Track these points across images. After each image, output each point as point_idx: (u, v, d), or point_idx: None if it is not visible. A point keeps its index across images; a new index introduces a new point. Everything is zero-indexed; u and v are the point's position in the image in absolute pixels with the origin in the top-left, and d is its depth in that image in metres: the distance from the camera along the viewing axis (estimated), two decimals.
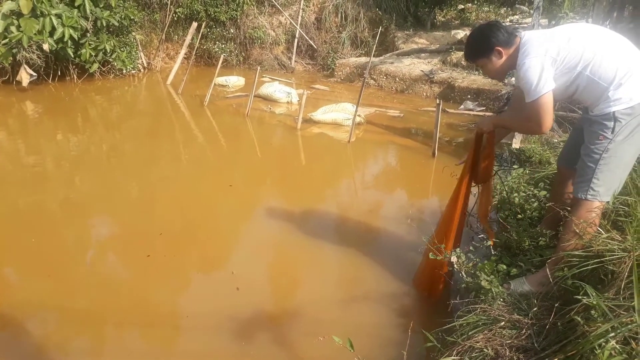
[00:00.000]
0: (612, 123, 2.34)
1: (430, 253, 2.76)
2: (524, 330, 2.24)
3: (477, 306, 2.47)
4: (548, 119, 2.42)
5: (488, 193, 3.03)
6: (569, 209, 2.54)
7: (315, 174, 5.57)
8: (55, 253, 3.70)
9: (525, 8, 13.59)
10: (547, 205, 2.87)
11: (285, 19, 11.38)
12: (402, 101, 8.64)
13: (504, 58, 2.56)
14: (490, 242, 2.90)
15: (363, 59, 10.27)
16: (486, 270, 2.62)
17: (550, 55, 2.38)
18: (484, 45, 2.57)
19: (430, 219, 3.99)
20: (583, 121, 2.62)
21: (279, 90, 8.38)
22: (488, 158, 2.93)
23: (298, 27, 11.15)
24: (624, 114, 2.32)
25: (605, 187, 2.43)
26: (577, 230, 2.43)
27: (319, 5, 11.61)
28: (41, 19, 7.84)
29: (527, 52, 2.43)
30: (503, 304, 2.46)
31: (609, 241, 2.30)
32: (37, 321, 2.94)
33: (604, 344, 1.79)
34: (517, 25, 11.48)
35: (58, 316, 3.02)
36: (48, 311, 3.04)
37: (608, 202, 2.49)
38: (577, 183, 2.51)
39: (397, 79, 9.34)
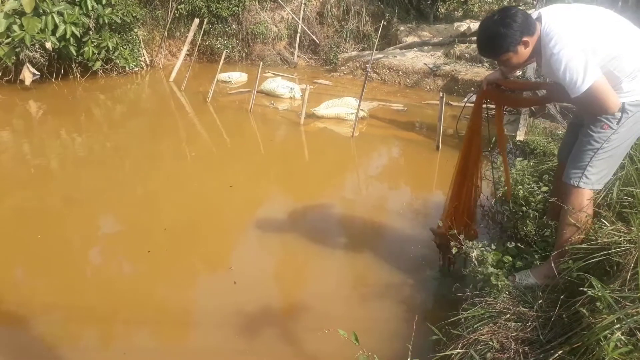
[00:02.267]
0: (620, 114, 2.31)
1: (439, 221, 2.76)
2: (529, 323, 2.23)
3: (483, 299, 2.47)
4: (612, 98, 2.21)
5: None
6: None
7: (319, 169, 5.56)
8: (60, 250, 3.72)
9: (529, 2, 13.49)
10: (551, 199, 2.86)
11: (287, 14, 11.35)
12: (406, 95, 8.62)
13: (530, 47, 2.33)
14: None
15: (366, 53, 10.24)
16: (491, 261, 2.61)
17: (587, 44, 2.20)
18: (509, 38, 2.29)
19: (435, 212, 3.98)
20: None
21: (282, 86, 8.37)
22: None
23: (300, 22, 11.12)
24: (632, 106, 2.30)
25: (598, 175, 2.42)
26: (574, 221, 2.42)
27: (320, 0, 11.56)
28: (43, 17, 7.84)
29: (561, 42, 2.21)
30: (508, 296, 2.46)
31: (615, 233, 2.29)
32: (43, 318, 2.96)
33: (609, 335, 1.79)
34: None
35: (64, 313, 3.04)
36: (54, 308, 3.07)
37: (599, 191, 2.47)
38: (570, 169, 2.47)
39: (400, 73, 9.30)
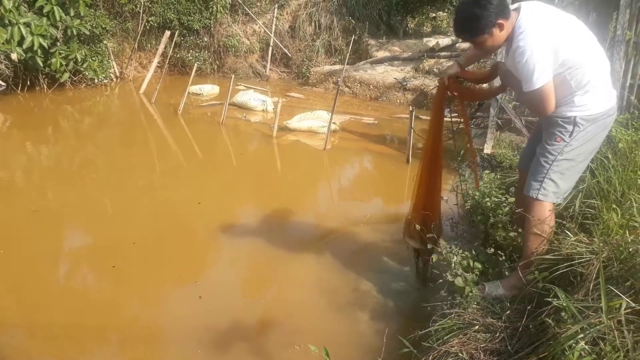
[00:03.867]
0: (572, 127, 2.40)
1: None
2: (498, 334, 2.27)
3: (452, 310, 2.50)
4: (551, 103, 2.33)
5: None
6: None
7: (292, 182, 5.56)
8: (23, 266, 3.62)
9: None
10: (516, 209, 2.93)
11: (259, 28, 11.39)
12: (376, 108, 8.72)
13: (505, 31, 2.38)
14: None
15: (337, 67, 10.34)
16: (462, 265, 2.65)
17: (551, 45, 2.29)
18: (484, 19, 2.33)
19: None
20: (542, 120, 2.62)
21: (254, 99, 8.37)
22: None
23: (272, 35, 11.17)
24: (584, 120, 2.39)
25: (555, 188, 2.49)
26: (537, 232, 2.49)
27: (292, 14, 11.64)
28: (9, 28, 7.67)
29: (528, 37, 2.28)
30: (477, 307, 2.50)
31: (578, 244, 2.36)
32: (5, 336, 2.86)
33: (574, 345, 1.83)
34: None
35: (25, 331, 2.95)
36: (14, 326, 2.97)
37: (559, 204, 2.54)
38: (529, 182, 2.55)
39: (371, 87, 9.41)
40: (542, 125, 2.58)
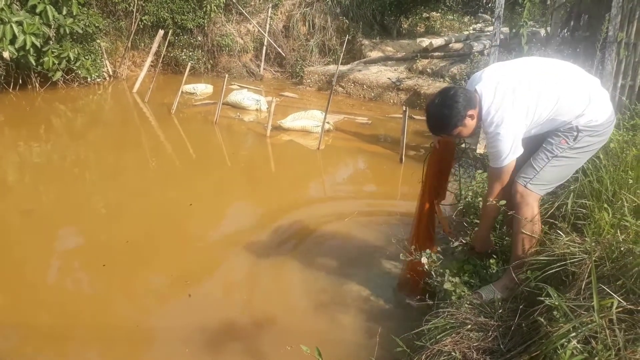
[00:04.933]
0: (576, 133, 2.47)
1: (401, 254, 2.81)
2: (490, 333, 2.28)
3: (445, 310, 2.51)
4: (506, 181, 2.55)
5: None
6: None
7: (285, 181, 5.56)
8: (14, 265, 3.60)
9: (487, 17, 13.93)
10: (508, 212, 2.94)
11: (253, 27, 11.37)
12: (370, 108, 8.73)
13: (476, 117, 2.53)
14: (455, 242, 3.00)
15: (331, 67, 10.34)
16: (451, 270, 2.66)
17: (521, 121, 2.42)
18: (454, 117, 2.49)
19: (399, 223, 4.03)
20: (546, 131, 2.65)
21: (248, 98, 8.36)
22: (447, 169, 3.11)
23: (266, 35, 11.16)
24: (586, 127, 2.46)
25: (544, 181, 2.55)
26: (526, 231, 2.53)
27: (286, 14, 11.64)
28: (1, 26, 7.61)
29: (497, 117, 2.42)
30: (470, 306, 2.51)
31: (570, 243, 2.37)
32: None
33: (565, 343, 1.84)
34: (479, 34, 11.76)
35: (13, 331, 2.93)
36: (7, 327, 2.95)
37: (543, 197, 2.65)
38: (522, 172, 2.59)
39: (364, 87, 9.43)
40: (543, 134, 2.60)
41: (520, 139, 2.45)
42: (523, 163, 2.61)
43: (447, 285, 2.58)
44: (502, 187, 2.55)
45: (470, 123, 2.53)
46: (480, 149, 5.54)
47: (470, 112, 2.48)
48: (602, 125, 2.48)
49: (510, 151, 2.43)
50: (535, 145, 2.60)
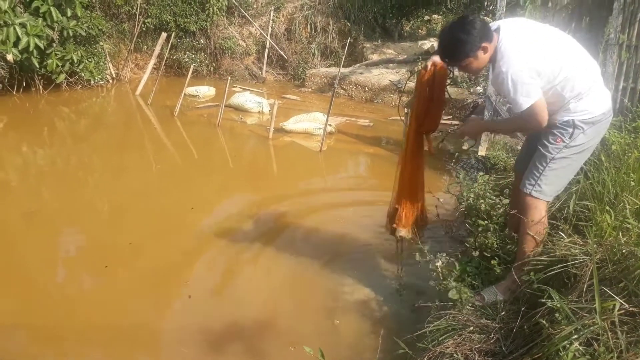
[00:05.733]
0: (572, 129, 2.43)
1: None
2: (492, 335, 2.28)
3: (447, 312, 2.51)
4: (545, 116, 2.38)
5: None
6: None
7: (287, 183, 5.56)
8: (17, 267, 3.61)
9: (489, 19, 13.93)
10: (511, 211, 2.95)
11: (255, 30, 11.40)
12: (372, 110, 8.74)
13: (489, 53, 2.44)
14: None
15: (333, 69, 10.35)
16: (454, 272, 2.66)
17: (533, 67, 2.35)
18: (468, 44, 2.39)
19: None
20: None
21: (250, 100, 8.37)
22: (438, 103, 2.85)
23: (268, 37, 11.18)
24: (583, 122, 2.42)
25: (550, 186, 2.53)
26: (532, 233, 2.52)
27: (288, 17, 11.66)
28: (5, 28, 7.64)
29: (509, 62, 2.35)
30: (472, 308, 2.51)
31: (572, 245, 2.38)
32: (3, 339, 2.86)
33: (568, 346, 1.84)
34: None
35: (21, 332, 2.95)
36: (10, 327, 2.97)
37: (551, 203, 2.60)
38: (526, 179, 2.58)
39: (366, 89, 9.44)
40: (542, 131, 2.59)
41: (535, 85, 2.34)
42: (526, 166, 2.62)
43: (451, 294, 2.57)
44: (541, 122, 2.38)
45: (482, 56, 2.44)
46: (482, 152, 5.55)
47: (484, 44, 2.40)
48: (599, 120, 2.45)
49: (526, 91, 2.32)
50: (535, 147, 2.61)
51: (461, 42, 2.41)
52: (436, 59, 2.79)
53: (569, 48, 2.48)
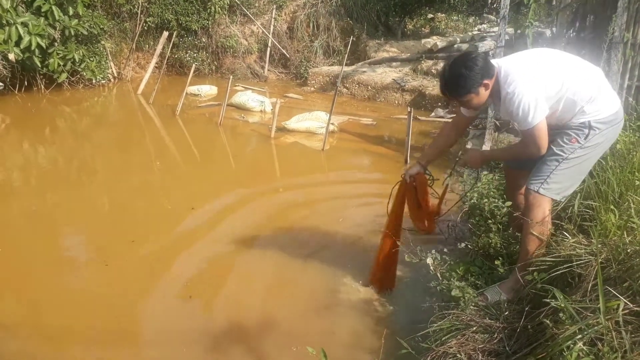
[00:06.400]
0: (588, 130, 2.46)
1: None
2: (496, 334, 2.27)
3: (450, 312, 2.50)
4: (546, 141, 2.46)
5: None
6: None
7: (290, 182, 5.56)
8: (18, 266, 3.61)
9: (492, 17, 13.91)
10: (514, 213, 2.93)
11: (257, 28, 11.39)
12: (375, 109, 8.72)
13: (490, 89, 2.50)
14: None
15: (335, 68, 10.34)
16: (457, 272, 2.65)
17: (539, 82, 2.41)
18: (470, 80, 2.45)
19: (403, 226, 4.01)
20: (556, 129, 2.64)
21: (252, 99, 8.37)
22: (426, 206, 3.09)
23: (270, 36, 11.17)
24: (598, 123, 2.45)
25: (559, 185, 2.53)
26: (535, 233, 2.51)
27: (290, 15, 11.65)
28: (7, 28, 7.64)
29: (514, 82, 2.41)
30: (475, 308, 2.50)
31: (576, 245, 2.36)
32: (5, 338, 2.86)
33: (572, 345, 1.83)
34: (484, 34, 11.73)
35: (22, 332, 2.94)
36: (10, 327, 2.96)
37: (559, 201, 2.62)
38: (533, 176, 2.58)
39: (369, 88, 9.42)
40: (555, 131, 2.58)
41: (543, 99, 2.40)
42: (534, 166, 2.61)
43: (454, 292, 2.56)
44: (541, 147, 2.47)
45: (482, 93, 2.49)
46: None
47: (486, 81, 2.45)
48: (613, 120, 2.48)
49: (536, 107, 2.38)
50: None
51: (463, 78, 2.46)
52: (412, 171, 3.02)
53: (566, 66, 2.54)
